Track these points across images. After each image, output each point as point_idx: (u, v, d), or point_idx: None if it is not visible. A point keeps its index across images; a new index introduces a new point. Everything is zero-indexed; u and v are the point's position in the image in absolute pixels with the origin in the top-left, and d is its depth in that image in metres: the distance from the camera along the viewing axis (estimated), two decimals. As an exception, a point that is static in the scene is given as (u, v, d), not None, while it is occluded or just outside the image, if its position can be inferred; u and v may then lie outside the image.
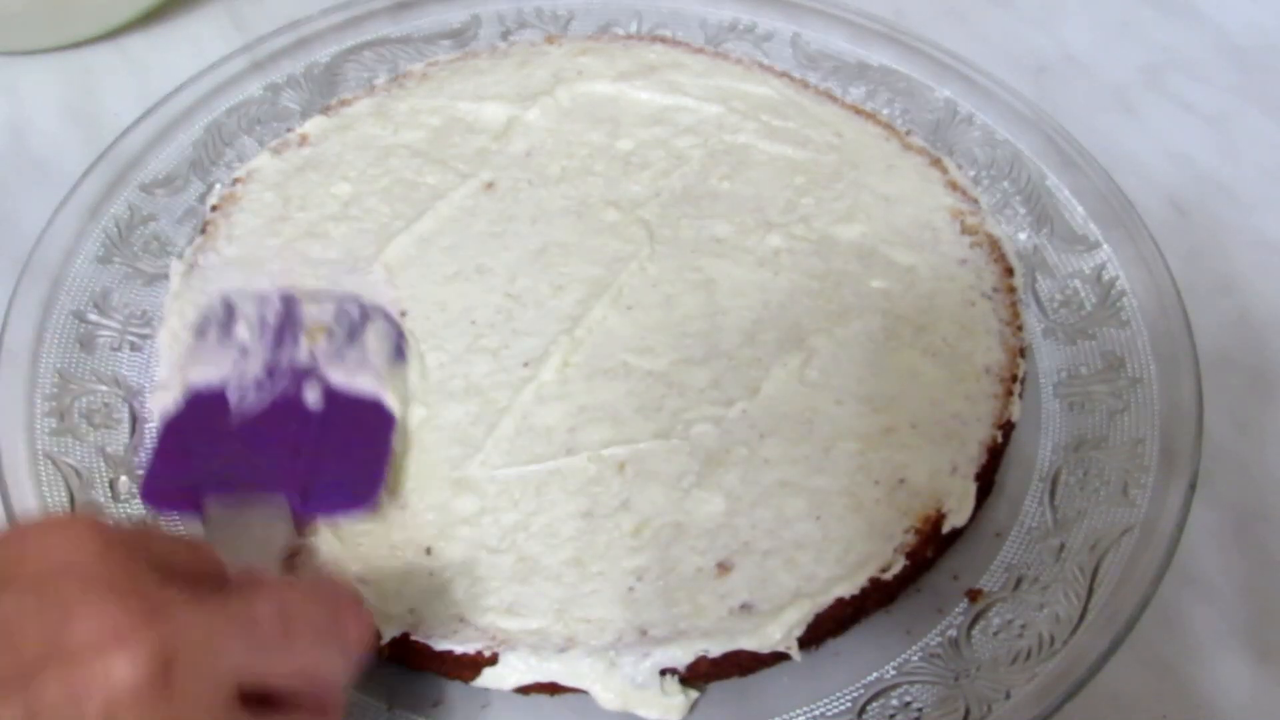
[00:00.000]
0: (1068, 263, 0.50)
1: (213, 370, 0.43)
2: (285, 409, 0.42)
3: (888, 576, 0.40)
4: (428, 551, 0.40)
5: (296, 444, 0.40)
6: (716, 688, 0.40)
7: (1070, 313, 0.49)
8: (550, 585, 0.39)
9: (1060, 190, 0.51)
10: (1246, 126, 0.61)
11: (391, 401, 0.43)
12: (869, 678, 0.40)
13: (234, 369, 0.43)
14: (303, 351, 0.43)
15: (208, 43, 0.63)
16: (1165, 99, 0.62)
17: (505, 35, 0.59)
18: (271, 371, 0.43)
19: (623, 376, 0.44)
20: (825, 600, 0.39)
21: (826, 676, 0.40)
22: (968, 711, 0.38)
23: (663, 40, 0.57)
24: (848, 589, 0.39)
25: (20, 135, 0.59)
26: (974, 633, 0.40)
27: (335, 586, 0.35)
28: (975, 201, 0.50)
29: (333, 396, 0.42)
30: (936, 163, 0.52)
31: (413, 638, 0.38)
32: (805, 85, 0.56)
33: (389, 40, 0.58)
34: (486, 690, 0.39)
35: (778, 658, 0.39)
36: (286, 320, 0.44)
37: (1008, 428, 0.43)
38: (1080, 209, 0.51)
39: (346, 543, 0.40)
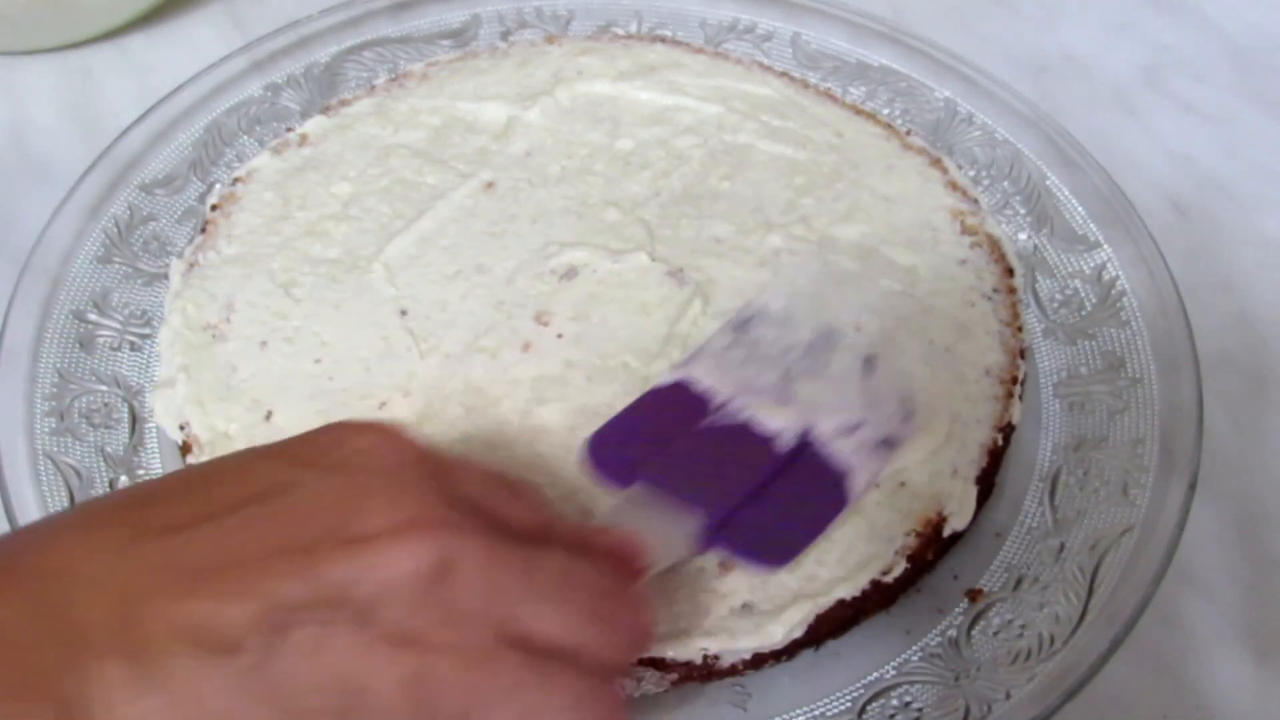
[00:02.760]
0: (1068, 263, 0.50)
1: (718, 369, 0.41)
2: (755, 438, 0.39)
3: (889, 579, 0.40)
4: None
5: (746, 476, 0.38)
6: (716, 687, 0.40)
7: (1070, 313, 0.49)
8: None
9: (1060, 190, 0.51)
10: (1246, 126, 0.61)
11: (857, 485, 0.40)
12: (869, 678, 0.40)
13: (735, 376, 0.41)
14: (809, 390, 0.41)
15: (208, 43, 0.63)
16: (1165, 99, 0.62)
17: (505, 35, 0.59)
18: (766, 394, 0.40)
19: (623, 377, 0.44)
20: (826, 601, 0.39)
21: (826, 676, 0.40)
22: (968, 711, 0.38)
23: (663, 40, 0.57)
24: (849, 590, 0.39)
25: (20, 135, 0.59)
26: (974, 633, 0.40)
27: (626, 575, 0.33)
28: (975, 201, 0.50)
29: (807, 450, 0.39)
30: (936, 163, 0.52)
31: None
32: (805, 85, 0.56)
33: (389, 40, 0.58)
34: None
35: (777, 657, 0.39)
36: (818, 352, 0.42)
37: (1008, 429, 0.43)
38: (1080, 209, 0.51)
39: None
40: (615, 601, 0.32)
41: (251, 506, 0.29)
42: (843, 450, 0.39)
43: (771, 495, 0.38)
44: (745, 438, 0.39)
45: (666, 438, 0.39)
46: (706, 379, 0.41)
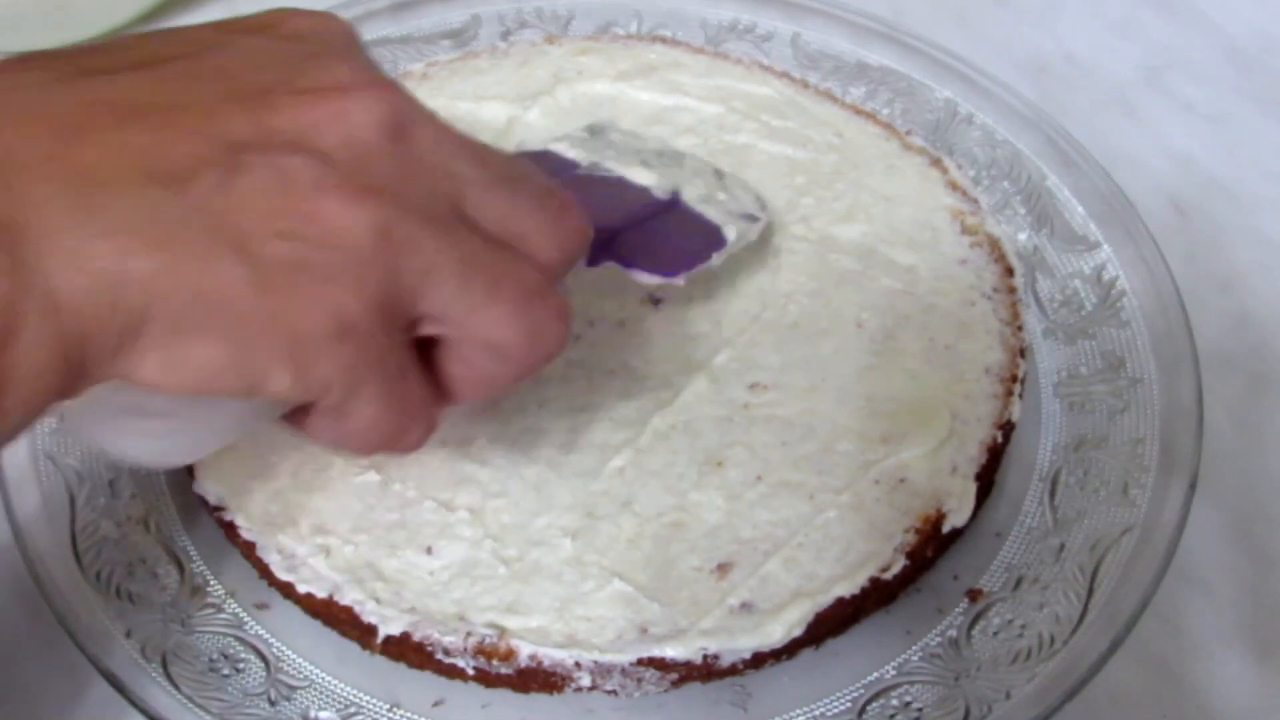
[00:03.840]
0: (1068, 263, 0.50)
1: (579, 149, 0.44)
2: (629, 186, 0.42)
3: (888, 576, 0.40)
4: (428, 551, 0.40)
5: (631, 210, 0.41)
6: (717, 686, 0.40)
7: (1070, 313, 0.49)
8: (550, 584, 0.39)
9: (1060, 190, 0.51)
10: (1246, 126, 0.61)
11: (729, 237, 0.43)
12: (869, 678, 0.40)
13: (598, 154, 0.44)
14: (669, 172, 0.44)
15: (208, 43, 0.63)
16: (1165, 99, 0.62)
17: (505, 35, 0.59)
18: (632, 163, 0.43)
19: (623, 377, 0.44)
20: (825, 600, 0.39)
21: (826, 676, 0.40)
22: (968, 711, 0.38)
23: (663, 40, 0.57)
24: (848, 588, 0.39)
25: (20, 135, 0.59)
26: (974, 633, 0.40)
27: (570, 197, 0.33)
28: (975, 201, 0.50)
29: (680, 205, 0.43)
30: (936, 163, 0.52)
31: (413, 637, 0.38)
32: (805, 85, 0.56)
33: (389, 40, 0.58)
34: (487, 690, 0.39)
35: (777, 656, 0.39)
36: (670, 155, 0.46)
37: (1008, 428, 0.43)
38: (1080, 209, 0.51)
39: (346, 543, 0.40)
40: (559, 197, 0.31)
41: (191, 59, 0.27)
42: (711, 212, 0.43)
43: (653, 226, 0.41)
44: (620, 185, 0.42)
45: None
46: (570, 153, 0.44)
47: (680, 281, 0.41)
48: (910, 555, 0.40)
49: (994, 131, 0.54)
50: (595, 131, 0.46)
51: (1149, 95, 0.63)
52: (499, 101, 0.54)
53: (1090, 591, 0.40)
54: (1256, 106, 0.62)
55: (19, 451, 0.42)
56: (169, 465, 0.38)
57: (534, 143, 0.51)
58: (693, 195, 0.43)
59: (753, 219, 0.45)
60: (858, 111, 0.54)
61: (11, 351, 0.23)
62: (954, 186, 0.51)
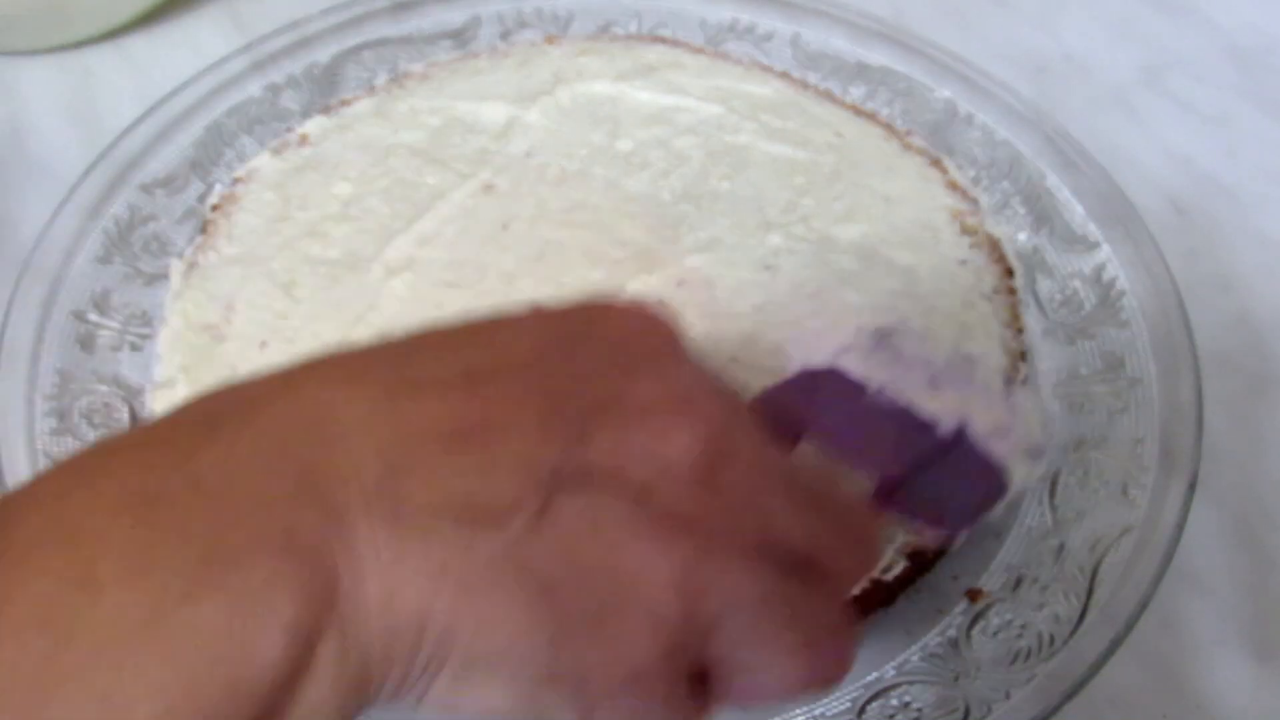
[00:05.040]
0: (1068, 263, 0.50)
1: (866, 365, 0.41)
2: (916, 420, 0.39)
3: (888, 577, 0.40)
4: None
5: (913, 448, 0.38)
6: (716, 688, 0.40)
7: (1070, 313, 0.49)
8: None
9: (1060, 190, 0.51)
10: (1246, 126, 0.61)
11: (1016, 477, 0.39)
12: (869, 678, 0.40)
13: (885, 372, 0.40)
14: (957, 395, 0.40)
15: (208, 43, 0.63)
16: (1165, 99, 0.62)
17: (505, 35, 0.59)
18: (919, 390, 0.40)
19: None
20: (825, 600, 0.39)
21: (826, 676, 0.40)
22: (968, 711, 0.38)
23: (663, 40, 0.57)
24: (848, 589, 0.39)
25: (20, 135, 0.59)
26: (974, 633, 0.40)
27: (865, 510, 0.32)
28: (975, 201, 0.51)
29: (965, 442, 0.39)
30: (936, 163, 0.52)
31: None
32: (805, 85, 0.56)
33: (389, 40, 0.58)
34: (486, 690, 0.39)
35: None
36: (959, 366, 0.43)
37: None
38: (1080, 209, 0.51)
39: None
40: (855, 512, 0.31)
41: (517, 371, 0.26)
42: (998, 449, 0.39)
43: (937, 472, 0.38)
44: (907, 418, 0.39)
45: (832, 406, 0.39)
46: (857, 367, 0.40)
47: (960, 539, 0.40)
48: (911, 556, 0.40)
49: (994, 131, 0.54)
50: (883, 335, 0.43)
51: (1149, 95, 0.63)
52: (499, 102, 0.54)
53: (1090, 591, 0.40)
54: (1256, 106, 0.62)
55: (19, 451, 0.42)
56: None
57: (535, 144, 0.52)
58: (981, 425, 0.39)
59: (1038, 453, 0.40)
60: (858, 111, 0.54)
61: (302, 688, 0.22)
62: (954, 186, 0.51)
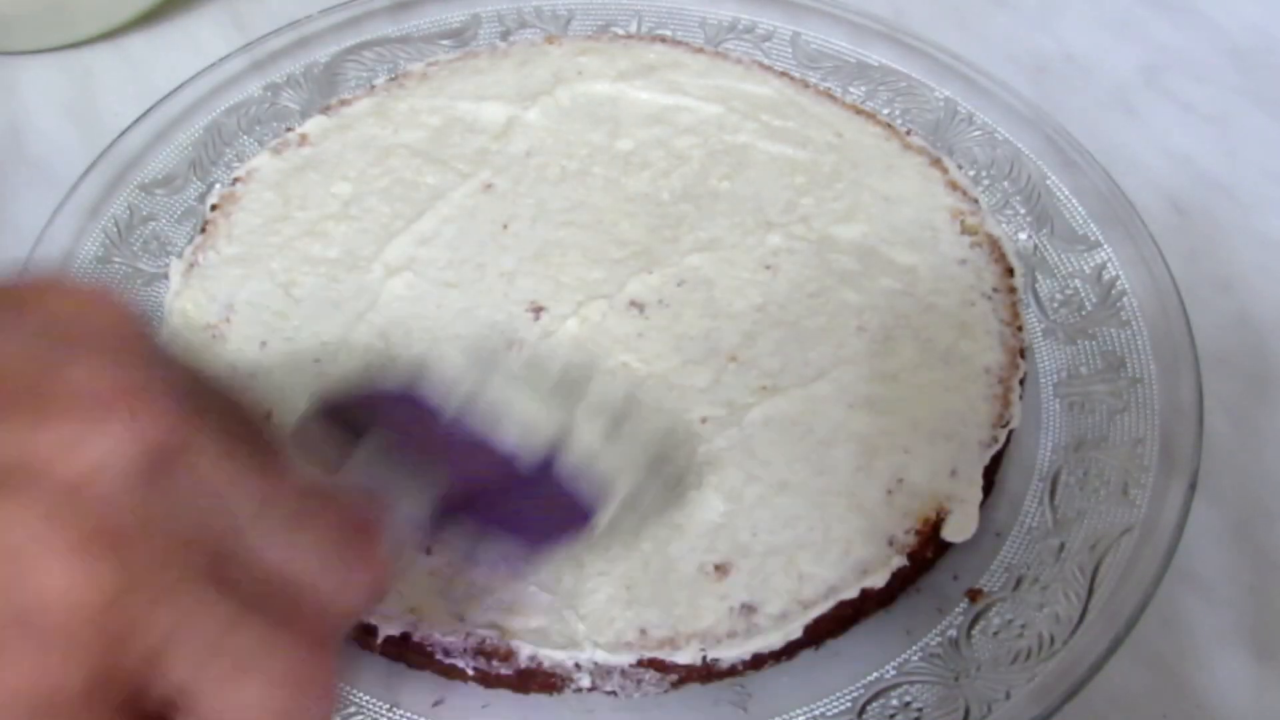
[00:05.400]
0: (1068, 263, 0.50)
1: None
2: (497, 449, 0.35)
3: (888, 577, 0.40)
4: (428, 551, 0.40)
5: (480, 472, 0.35)
6: (717, 687, 0.40)
7: (1070, 313, 0.49)
8: (549, 584, 0.39)
9: (1060, 190, 0.51)
10: (1246, 126, 0.61)
11: (593, 514, 0.36)
12: (869, 678, 0.40)
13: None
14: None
15: (208, 43, 0.63)
16: (1165, 99, 0.62)
17: (505, 35, 0.59)
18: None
19: (622, 377, 0.44)
20: (825, 601, 0.39)
21: (826, 677, 0.40)
22: (968, 711, 0.38)
23: (663, 40, 0.57)
24: (848, 589, 0.39)
25: (20, 135, 0.59)
26: (974, 633, 0.40)
27: (367, 516, 0.27)
28: (975, 201, 0.50)
29: (550, 474, 0.36)
30: (936, 163, 0.52)
31: (413, 638, 0.38)
32: (805, 85, 0.56)
33: (389, 40, 0.58)
34: (487, 690, 0.39)
35: (777, 657, 0.39)
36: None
37: (1008, 428, 0.43)
38: (1080, 209, 0.51)
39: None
40: (358, 538, 0.26)
41: None
42: (594, 472, 0.36)
43: (512, 502, 0.35)
44: (483, 445, 0.35)
45: (397, 421, 0.34)
46: (439, 391, 0.36)
47: (526, 573, 0.38)
48: (911, 556, 0.40)
49: (994, 131, 0.54)
50: (485, 361, 0.40)
51: (1149, 95, 0.63)
52: (499, 101, 0.54)
53: (1090, 591, 0.40)
54: (1256, 106, 0.62)
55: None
56: None
57: (535, 143, 0.52)
58: (580, 448, 0.36)
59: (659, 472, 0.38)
60: (858, 111, 0.54)
61: None
62: (954, 186, 0.51)
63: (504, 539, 0.35)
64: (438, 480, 0.32)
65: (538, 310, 0.46)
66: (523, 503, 0.35)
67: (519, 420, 0.35)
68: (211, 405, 0.25)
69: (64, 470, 0.21)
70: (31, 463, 0.21)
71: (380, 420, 0.33)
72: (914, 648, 0.40)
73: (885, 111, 0.55)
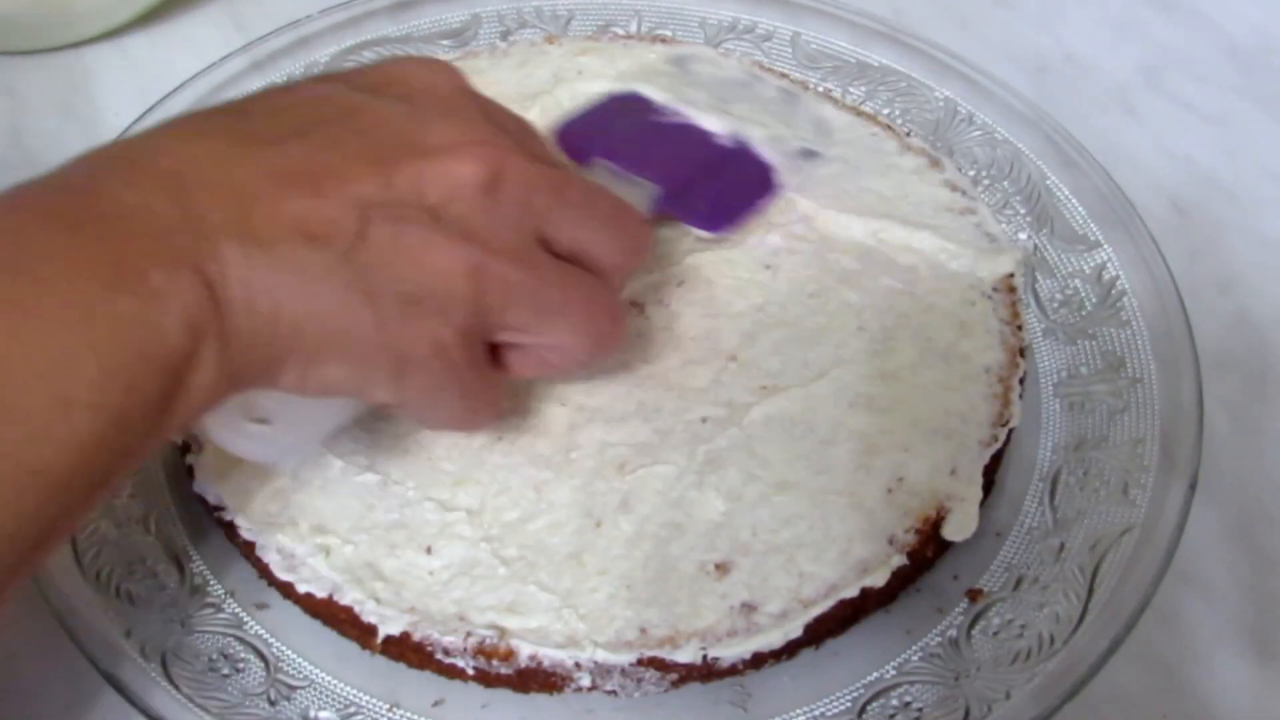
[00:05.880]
0: (1068, 263, 0.50)
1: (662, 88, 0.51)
2: (697, 132, 0.49)
3: (888, 576, 0.40)
4: (428, 550, 0.40)
5: (696, 160, 0.48)
6: (716, 687, 0.40)
7: (1070, 313, 0.49)
8: (550, 584, 0.39)
9: (1060, 190, 0.51)
10: (1246, 126, 0.61)
11: (782, 179, 0.49)
12: (869, 678, 0.40)
13: (677, 92, 0.51)
14: (740, 109, 0.51)
15: (208, 43, 0.63)
16: (1165, 99, 0.62)
17: (505, 35, 0.59)
18: (705, 107, 0.50)
19: (622, 377, 0.44)
20: (825, 600, 0.39)
21: (826, 676, 0.40)
22: (968, 711, 0.38)
23: (663, 40, 0.57)
24: (847, 588, 0.39)
25: (20, 135, 0.59)
26: (974, 633, 0.40)
27: (634, 211, 0.40)
28: (975, 201, 0.50)
29: (741, 149, 0.49)
30: (936, 163, 0.52)
31: (413, 637, 0.38)
32: (805, 85, 0.56)
33: (389, 40, 0.58)
34: (487, 690, 0.39)
35: (777, 656, 0.39)
36: (746, 84, 0.54)
37: (1007, 427, 0.43)
38: (1080, 209, 0.51)
39: (346, 543, 0.40)
40: (623, 212, 0.38)
41: (334, 125, 0.33)
42: (771, 154, 0.49)
43: (713, 177, 0.47)
44: (688, 132, 0.49)
45: (627, 129, 0.49)
46: (653, 94, 0.51)
47: (732, 234, 0.47)
48: (910, 555, 0.40)
49: (994, 131, 0.54)
50: (678, 62, 0.54)
51: (1149, 95, 0.63)
52: (498, 101, 0.53)
53: (1090, 591, 0.40)
54: (1256, 106, 0.62)
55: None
56: (275, 463, 0.41)
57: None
58: (760, 135, 0.49)
59: (809, 154, 0.50)
60: (858, 112, 0.54)
61: (194, 369, 0.29)
62: (954, 186, 0.51)
63: (716, 206, 0.47)
64: (659, 174, 0.45)
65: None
66: (729, 175, 0.48)
67: (708, 120, 0.49)
68: (518, 137, 0.36)
69: (434, 197, 0.33)
70: (415, 194, 0.32)
71: (612, 120, 0.49)
72: (914, 648, 0.40)
73: (885, 111, 0.55)
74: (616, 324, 0.38)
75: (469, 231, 0.33)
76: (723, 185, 0.48)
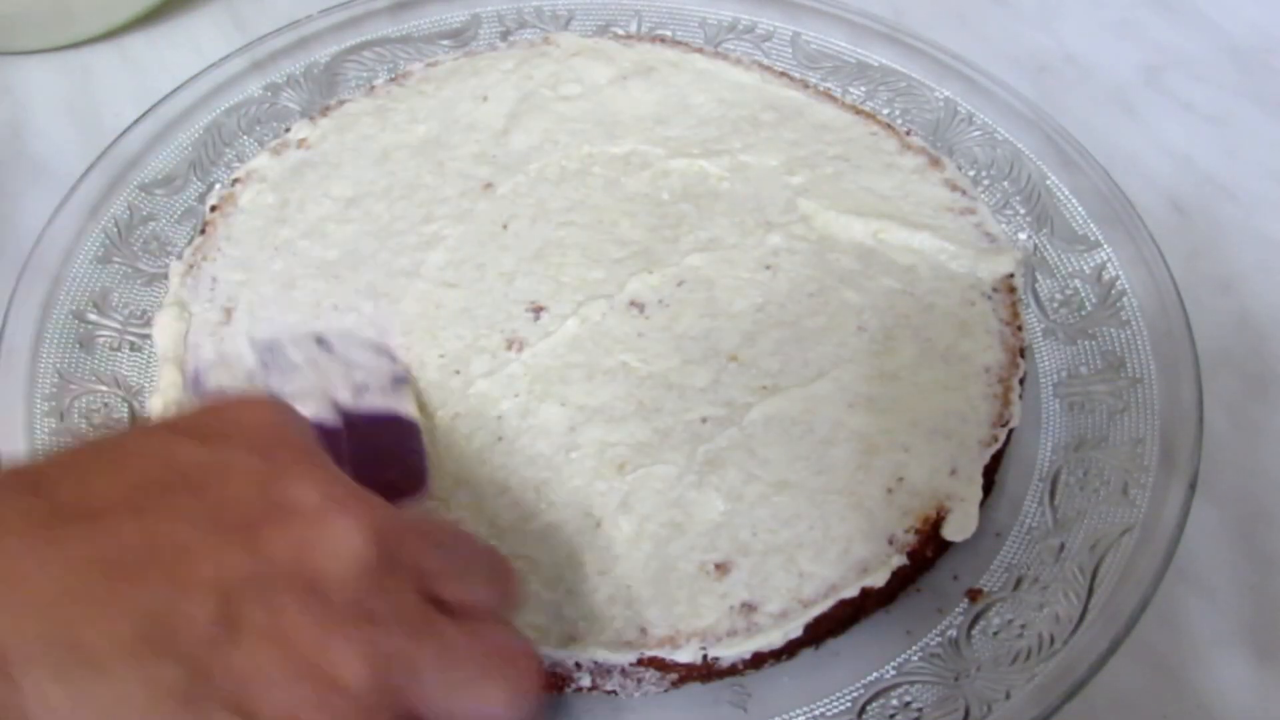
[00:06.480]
0: (1068, 263, 0.50)
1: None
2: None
3: (888, 576, 0.40)
4: None
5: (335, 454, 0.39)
6: (716, 687, 0.40)
7: (1070, 313, 0.49)
8: (550, 583, 0.39)
9: (1060, 190, 0.51)
10: (1246, 126, 0.61)
11: (407, 411, 0.42)
12: (869, 678, 0.40)
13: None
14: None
15: (208, 43, 0.63)
16: (1165, 99, 0.62)
17: (505, 35, 0.59)
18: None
19: (622, 377, 0.44)
20: (825, 600, 0.39)
21: (826, 676, 0.40)
22: (968, 711, 0.38)
23: (663, 40, 0.57)
24: (847, 588, 0.39)
25: (20, 135, 0.59)
26: (974, 633, 0.40)
27: (482, 541, 0.37)
28: (975, 201, 0.50)
29: (349, 415, 0.41)
30: (936, 162, 0.52)
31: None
32: (805, 85, 0.56)
33: (389, 40, 0.58)
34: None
35: (777, 656, 0.39)
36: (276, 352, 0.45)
37: (1007, 427, 0.43)
38: (1080, 209, 0.51)
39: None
40: (480, 545, 0.34)
41: (165, 490, 0.27)
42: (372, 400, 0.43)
43: (363, 454, 0.40)
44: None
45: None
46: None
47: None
48: (910, 555, 0.40)
49: (994, 131, 0.54)
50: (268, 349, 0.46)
51: (1149, 95, 0.63)
52: (499, 101, 0.54)
53: (1090, 591, 0.40)
54: (1256, 106, 0.62)
55: (19, 451, 0.42)
56: None
57: (535, 144, 0.52)
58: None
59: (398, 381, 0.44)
60: (858, 111, 0.54)
61: None
62: (954, 186, 0.51)
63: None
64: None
65: (538, 310, 0.46)
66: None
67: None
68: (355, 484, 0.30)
69: (314, 571, 0.26)
70: (289, 569, 0.26)
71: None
72: (914, 648, 0.40)
73: (885, 111, 0.55)
74: (533, 660, 0.31)
75: (365, 611, 0.27)
76: (378, 459, 0.41)
